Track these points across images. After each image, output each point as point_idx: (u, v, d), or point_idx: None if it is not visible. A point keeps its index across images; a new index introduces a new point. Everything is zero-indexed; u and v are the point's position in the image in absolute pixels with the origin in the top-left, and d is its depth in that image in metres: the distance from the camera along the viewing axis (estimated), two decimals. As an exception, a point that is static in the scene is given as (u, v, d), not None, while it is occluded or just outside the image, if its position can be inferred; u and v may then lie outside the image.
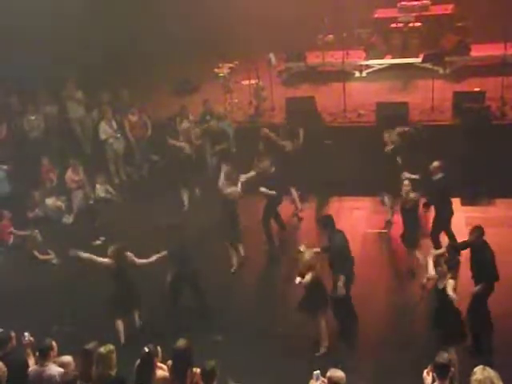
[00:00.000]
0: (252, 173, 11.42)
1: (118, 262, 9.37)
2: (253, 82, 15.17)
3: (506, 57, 14.20)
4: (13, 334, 7.35)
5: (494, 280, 8.61)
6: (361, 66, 16.46)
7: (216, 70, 15.49)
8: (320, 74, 16.29)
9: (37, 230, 12.40)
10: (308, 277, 8.62)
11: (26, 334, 7.41)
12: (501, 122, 13.23)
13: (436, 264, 8.12)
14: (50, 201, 13.49)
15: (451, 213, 10.62)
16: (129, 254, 9.50)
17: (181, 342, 6.89)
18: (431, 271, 8.18)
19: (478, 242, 8.71)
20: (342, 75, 14.80)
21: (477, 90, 13.81)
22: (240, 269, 11.34)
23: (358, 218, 12.56)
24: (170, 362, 6.95)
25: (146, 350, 6.85)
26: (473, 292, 8.66)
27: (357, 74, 16.48)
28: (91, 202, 13.38)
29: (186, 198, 13.58)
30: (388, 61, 16.43)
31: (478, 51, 15.80)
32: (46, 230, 12.73)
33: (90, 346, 6.96)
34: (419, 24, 16.03)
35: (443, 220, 10.60)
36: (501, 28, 13.50)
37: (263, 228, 11.74)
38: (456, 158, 11.72)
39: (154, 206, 13.32)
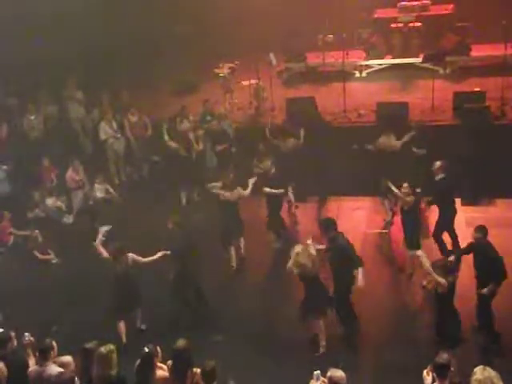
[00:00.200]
0: (255, 178, 11.38)
1: (119, 263, 9.37)
2: (253, 82, 15.18)
3: (506, 57, 14.18)
4: (13, 334, 7.35)
5: (503, 279, 8.56)
6: (361, 66, 16.48)
7: (216, 70, 15.50)
8: (320, 74, 16.30)
9: (37, 230, 12.40)
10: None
11: (27, 334, 7.41)
12: (501, 122, 13.23)
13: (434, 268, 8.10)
14: (50, 201, 13.49)
15: (454, 212, 10.60)
16: (130, 254, 9.49)
17: (181, 342, 6.89)
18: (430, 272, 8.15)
19: (482, 243, 8.68)
20: (342, 75, 14.80)
21: (477, 89, 13.82)
22: (240, 269, 11.35)
23: (358, 218, 12.56)
24: (169, 362, 6.96)
25: (146, 349, 6.85)
26: (481, 293, 8.62)
27: (357, 74, 16.50)
28: (91, 202, 13.38)
29: (184, 198, 13.59)
30: (388, 61, 16.44)
31: (478, 51, 15.82)
32: (46, 230, 12.73)
33: (90, 345, 6.97)
34: (419, 24, 16.04)
35: (446, 220, 10.57)
36: (501, 28, 13.49)
37: (272, 227, 11.72)
38: (456, 158, 11.70)
39: (154, 206, 13.32)
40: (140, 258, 9.56)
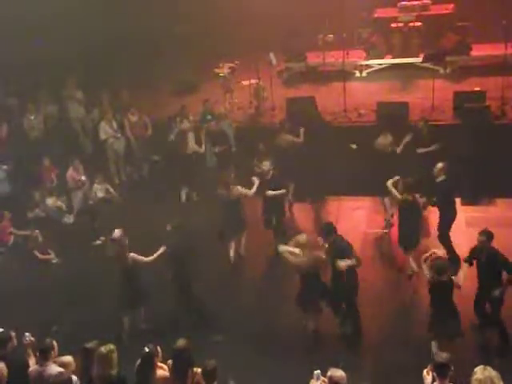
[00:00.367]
0: (257, 181, 11.37)
1: (120, 263, 9.37)
2: (253, 81, 15.18)
3: (507, 56, 14.17)
4: (13, 334, 7.35)
5: None
6: (361, 65, 16.49)
7: (216, 69, 15.50)
8: (320, 74, 16.29)
9: (37, 230, 12.40)
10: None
11: (27, 334, 7.42)
12: (501, 121, 13.23)
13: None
14: (50, 201, 13.48)
15: (454, 214, 10.57)
16: (131, 254, 9.48)
17: (181, 342, 6.89)
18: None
19: (486, 247, 8.60)
20: (343, 75, 14.80)
21: (477, 89, 13.82)
22: (240, 268, 11.34)
23: (358, 218, 12.56)
24: (170, 362, 6.96)
25: (147, 349, 6.86)
26: (492, 296, 8.55)
27: (357, 73, 16.51)
28: (91, 202, 13.38)
29: (184, 195, 13.60)
30: (388, 61, 16.44)
31: (479, 51, 15.82)
32: (47, 229, 12.73)
33: (91, 345, 6.97)
34: (419, 24, 16.04)
35: (447, 221, 10.56)
36: (501, 28, 13.49)
37: (270, 226, 11.71)
38: (456, 158, 11.70)
39: (154, 205, 13.32)
40: (141, 258, 9.56)
